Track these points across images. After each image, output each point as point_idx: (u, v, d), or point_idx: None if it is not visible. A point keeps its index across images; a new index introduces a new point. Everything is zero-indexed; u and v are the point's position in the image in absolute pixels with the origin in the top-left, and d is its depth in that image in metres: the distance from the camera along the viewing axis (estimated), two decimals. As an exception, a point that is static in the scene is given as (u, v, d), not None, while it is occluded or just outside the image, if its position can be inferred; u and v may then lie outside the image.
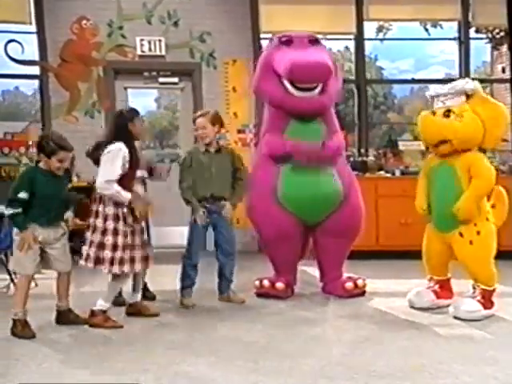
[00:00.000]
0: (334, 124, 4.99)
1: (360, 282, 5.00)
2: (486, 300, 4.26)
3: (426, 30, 9.40)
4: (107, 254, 4.00)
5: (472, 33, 8.28)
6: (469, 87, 4.37)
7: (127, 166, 4.11)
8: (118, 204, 4.07)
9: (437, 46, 19.80)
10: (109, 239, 4.02)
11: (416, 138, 10.88)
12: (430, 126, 4.40)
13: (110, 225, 4.04)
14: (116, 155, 4.06)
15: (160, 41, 7.39)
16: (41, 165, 4.04)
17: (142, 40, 7.37)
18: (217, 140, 4.78)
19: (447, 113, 4.32)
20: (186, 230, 7.43)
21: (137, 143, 4.33)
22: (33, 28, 7.33)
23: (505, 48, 10.21)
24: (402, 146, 7.31)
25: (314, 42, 4.87)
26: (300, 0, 7.63)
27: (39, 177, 3.98)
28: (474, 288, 4.37)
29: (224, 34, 7.47)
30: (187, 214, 7.49)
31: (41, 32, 7.30)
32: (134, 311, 4.42)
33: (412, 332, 3.95)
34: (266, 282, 4.93)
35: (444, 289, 4.58)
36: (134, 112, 4.36)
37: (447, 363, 3.31)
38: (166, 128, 19.19)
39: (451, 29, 9.29)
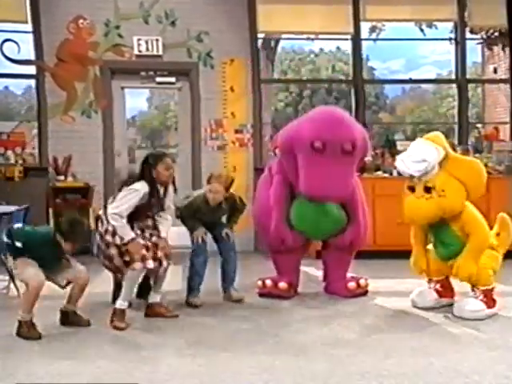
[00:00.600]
0: (357, 209, 4.96)
1: (362, 282, 5.03)
2: (489, 299, 4.29)
3: (422, 30, 9.46)
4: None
5: (467, 33, 8.30)
6: (437, 159, 4.23)
7: (145, 201, 4.24)
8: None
9: (428, 46, 19.94)
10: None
11: (408, 139, 10.99)
12: (417, 211, 4.35)
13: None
14: (134, 195, 4.19)
15: (157, 40, 7.34)
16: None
17: (139, 40, 7.32)
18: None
19: (427, 190, 4.26)
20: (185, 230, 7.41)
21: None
22: (29, 27, 7.27)
23: (498, 48, 10.30)
24: (399, 146, 7.31)
25: (347, 153, 4.46)
26: (297, 0, 7.64)
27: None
28: (473, 289, 4.39)
29: (221, 33, 7.43)
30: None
31: (37, 31, 7.23)
32: (153, 313, 4.38)
33: (418, 331, 3.97)
34: (268, 282, 4.93)
35: (445, 287, 4.61)
36: (159, 157, 4.36)
37: (456, 362, 3.33)
38: (157, 128, 19.16)
39: (446, 29, 9.36)
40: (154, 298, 4.47)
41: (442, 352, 3.51)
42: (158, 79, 7.56)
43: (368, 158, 7.32)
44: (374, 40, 9.96)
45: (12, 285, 4.85)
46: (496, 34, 9.52)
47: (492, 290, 4.32)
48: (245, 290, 4.93)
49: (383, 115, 19.73)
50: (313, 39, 9.67)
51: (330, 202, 4.71)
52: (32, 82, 7.71)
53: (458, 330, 3.99)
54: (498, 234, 4.50)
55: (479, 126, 10.75)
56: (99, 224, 4.39)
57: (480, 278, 4.28)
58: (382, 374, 3.15)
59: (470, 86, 9.42)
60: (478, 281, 4.29)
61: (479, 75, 12.21)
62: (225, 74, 7.52)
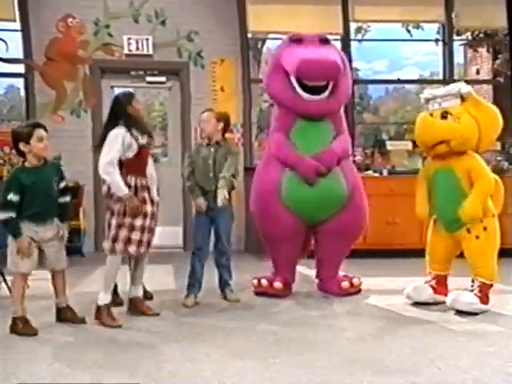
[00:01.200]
0: (342, 124, 5.02)
1: (356, 281, 5.04)
2: (483, 295, 4.35)
3: (409, 31, 9.56)
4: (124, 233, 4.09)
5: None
6: (464, 91, 4.47)
7: (134, 151, 4.15)
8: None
9: (411, 47, 20.14)
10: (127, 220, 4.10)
11: (391, 139, 11.08)
12: (430, 128, 4.49)
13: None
14: (114, 139, 4.10)
15: (147, 40, 7.34)
16: (26, 164, 3.98)
17: (129, 39, 7.31)
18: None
19: (445, 114, 4.43)
20: (180, 230, 7.44)
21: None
22: (17, 25, 7.21)
23: (483, 50, 10.44)
24: (389, 145, 7.39)
25: (325, 41, 4.91)
26: (287, 0, 7.67)
27: (24, 175, 3.91)
28: (473, 281, 4.45)
29: (212, 33, 7.45)
30: (181, 213, 7.52)
31: (25, 29, 7.19)
32: (135, 308, 4.36)
33: (415, 329, 4.01)
34: (264, 281, 4.94)
35: (440, 285, 4.65)
36: (130, 94, 4.36)
37: (455, 359, 3.36)
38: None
39: (432, 30, 9.48)
40: (135, 291, 4.42)
41: (440, 348, 3.54)
42: (148, 79, 7.55)
43: (358, 158, 7.41)
44: (363, 41, 10.01)
45: (4, 284, 4.81)
46: (481, 35, 9.68)
47: (490, 287, 4.38)
48: (239, 290, 4.94)
49: (367, 116, 19.85)
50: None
51: (323, 80, 4.66)
52: (15, 82, 7.66)
53: (456, 326, 4.03)
54: (490, 196, 4.54)
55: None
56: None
57: (485, 268, 4.38)
58: (384, 371, 3.18)
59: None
60: (480, 270, 4.37)
61: (461, 76, 12.35)
62: (215, 74, 7.54)
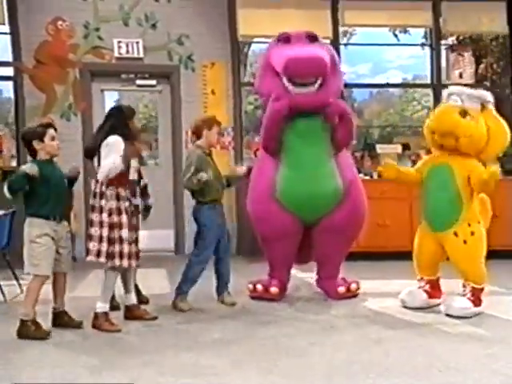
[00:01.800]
0: (350, 185, 4.95)
1: (353, 287, 5.04)
2: (476, 298, 4.41)
3: (396, 35, 9.65)
4: (116, 247, 4.08)
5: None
6: (489, 100, 4.59)
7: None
8: (119, 199, 4.12)
9: (394, 51, 20.30)
10: (115, 233, 4.08)
11: (377, 142, 11.15)
12: (448, 115, 4.51)
13: (114, 219, 4.08)
14: (116, 144, 4.11)
15: (138, 43, 7.33)
16: (38, 158, 4.04)
17: (119, 42, 7.30)
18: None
19: (464, 112, 4.48)
20: (171, 233, 7.40)
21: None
22: (6, 28, 7.16)
23: (468, 54, 10.55)
24: (379, 149, 7.45)
25: (313, 39, 4.93)
26: (276, 4, 7.71)
27: (44, 167, 3.96)
28: (464, 286, 4.51)
29: (202, 36, 7.46)
30: (172, 216, 7.50)
31: (14, 32, 7.14)
32: (132, 315, 4.37)
33: (414, 331, 4.06)
34: (259, 287, 4.94)
35: (434, 288, 4.71)
36: (133, 110, 4.39)
37: (453, 361, 3.40)
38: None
39: (418, 34, 9.58)
40: (130, 299, 4.45)
41: (439, 351, 3.59)
42: (139, 82, 7.54)
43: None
44: (351, 45, 10.08)
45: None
46: (466, 40, 9.80)
47: (482, 290, 4.45)
48: (234, 293, 4.94)
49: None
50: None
51: (311, 77, 4.66)
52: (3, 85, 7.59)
53: (451, 328, 4.09)
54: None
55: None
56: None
57: (473, 273, 4.44)
58: (384, 374, 3.21)
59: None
60: (469, 276, 4.43)
61: (444, 80, 12.46)
62: (205, 77, 7.55)
